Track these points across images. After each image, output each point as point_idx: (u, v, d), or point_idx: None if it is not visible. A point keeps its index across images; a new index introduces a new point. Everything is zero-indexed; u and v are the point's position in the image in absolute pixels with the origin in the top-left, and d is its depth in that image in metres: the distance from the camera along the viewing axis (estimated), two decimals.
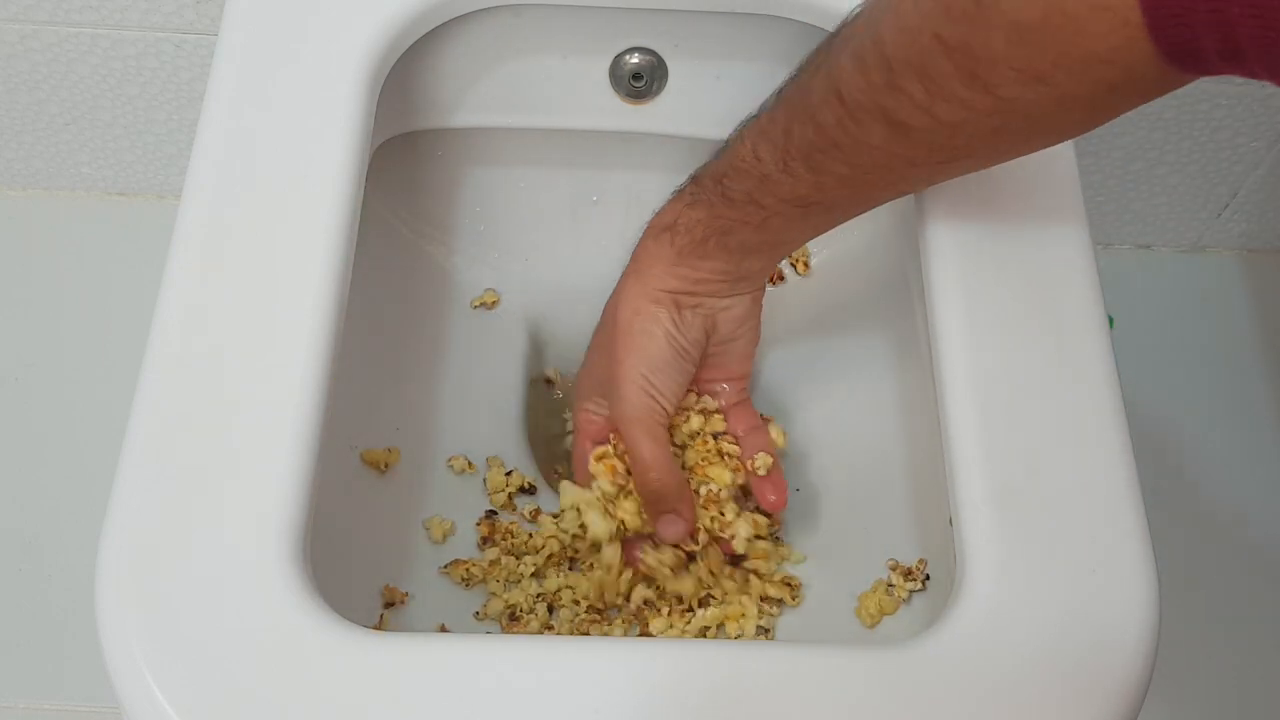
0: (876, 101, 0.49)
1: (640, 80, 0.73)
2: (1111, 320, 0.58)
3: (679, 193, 0.61)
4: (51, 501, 0.95)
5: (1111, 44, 0.42)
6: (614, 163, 0.79)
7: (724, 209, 0.58)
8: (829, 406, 0.73)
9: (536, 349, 0.79)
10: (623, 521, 0.63)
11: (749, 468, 0.65)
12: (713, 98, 0.74)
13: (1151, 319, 1.07)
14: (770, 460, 0.65)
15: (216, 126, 0.60)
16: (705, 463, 0.64)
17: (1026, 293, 0.58)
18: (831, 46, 0.53)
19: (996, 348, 0.56)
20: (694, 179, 0.60)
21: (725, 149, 0.58)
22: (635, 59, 0.72)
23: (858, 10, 0.52)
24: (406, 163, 0.76)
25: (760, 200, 0.57)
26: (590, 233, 0.81)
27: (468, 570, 0.66)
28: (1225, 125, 0.98)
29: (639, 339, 0.61)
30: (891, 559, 0.63)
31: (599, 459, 0.64)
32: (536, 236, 0.80)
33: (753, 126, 0.57)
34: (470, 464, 0.71)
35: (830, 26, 0.66)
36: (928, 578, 0.62)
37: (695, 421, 0.65)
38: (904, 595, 0.62)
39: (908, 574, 0.63)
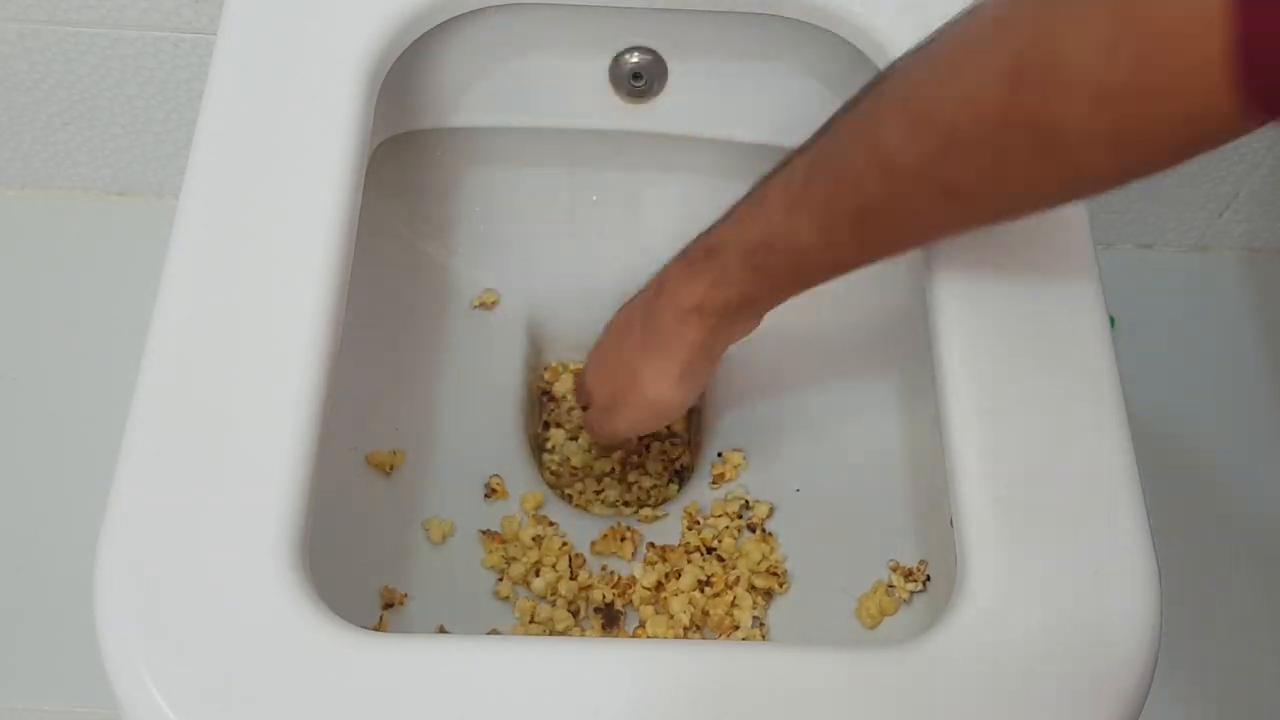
0: (933, 173, 0.46)
1: (640, 80, 0.73)
2: (1113, 320, 0.58)
3: (692, 265, 0.58)
4: (50, 502, 0.95)
5: (1198, 104, 0.39)
6: (613, 163, 0.79)
7: (759, 285, 0.56)
8: (829, 406, 0.72)
9: (536, 349, 0.79)
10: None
11: None
12: (713, 98, 0.73)
13: (1153, 319, 1.07)
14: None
15: (215, 126, 0.60)
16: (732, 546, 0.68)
17: (1027, 293, 0.57)
18: (865, 110, 0.49)
19: (997, 348, 0.56)
20: (708, 251, 0.57)
21: (746, 217, 0.55)
22: (635, 59, 0.72)
23: (900, 67, 0.49)
24: (406, 163, 0.76)
25: (801, 274, 0.55)
26: (590, 233, 0.81)
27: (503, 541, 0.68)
28: None
29: (660, 412, 0.64)
30: (892, 560, 0.63)
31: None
32: (536, 236, 0.80)
33: (781, 193, 0.53)
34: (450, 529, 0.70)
35: (830, 26, 0.66)
36: (928, 578, 0.62)
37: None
38: (905, 596, 0.62)
39: (908, 575, 0.63)
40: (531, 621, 0.66)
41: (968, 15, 0.45)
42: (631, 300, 0.65)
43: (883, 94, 0.49)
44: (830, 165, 0.50)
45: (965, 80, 0.44)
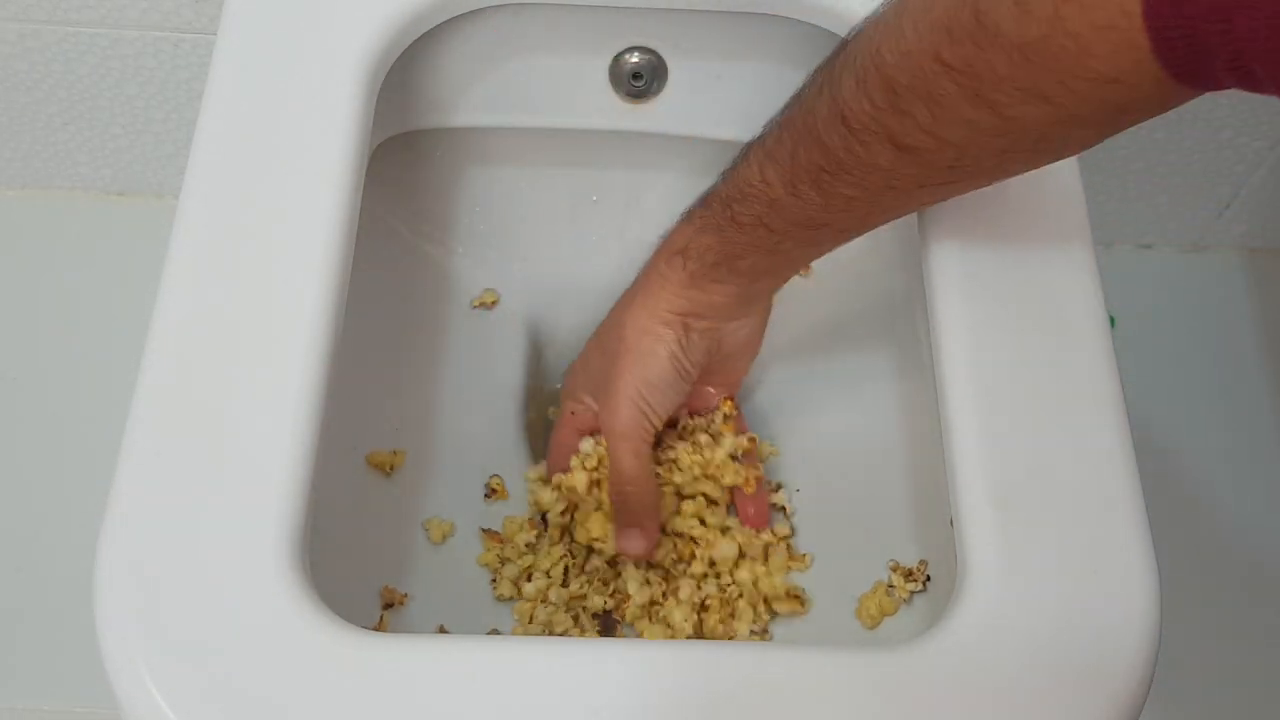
0: (882, 124, 0.49)
1: (640, 80, 0.73)
2: (1113, 320, 0.58)
3: (688, 215, 0.61)
4: (50, 502, 0.95)
5: (1116, 63, 0.41)
6: (613, 162, 0.78)
7: (734, 234, 0.58)
8: (830, 406, 0.73)
9: (536, 349, 0.79)
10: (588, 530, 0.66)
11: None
12: (713, 98, 0.73)
13: (1152, 319, 1.07)
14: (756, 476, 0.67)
15: (215, 126, 0.60)
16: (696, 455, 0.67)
17: (1027, 292, 0.57)
18: (834, 65, 0.52)
19: (997, 347, 0.56)
20: (703, 201, 0.60)
21: (732, 171, 0.58)
22: (635, 58, 0.72)
23: (860, 27, 0.51)
24: (406, 162, 0.76)
25: (770, 224, 0.56)
26: (590, 233, 0.81)
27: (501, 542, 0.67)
28: (1227, 125, 0.98)
29: (644, 358, 0.62)
30: (892, 560, 0.63)
31: (581, 464, 0.67)
32: (536, 236, 0.80)
33: (758, 148, 0.56)
34: (449, 530, 0.70)
35: (830, 26, 0.66)
36: (929, 578, 0.62)
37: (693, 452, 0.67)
38: (905, 596, 0.62)
39: (908, 575, 0.63)
40: (531, 622, 0.65)
41: None
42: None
43: (846, 50, 0.51)
44: (797, 121, 0.53)
45: (905, 35, 0.47)
